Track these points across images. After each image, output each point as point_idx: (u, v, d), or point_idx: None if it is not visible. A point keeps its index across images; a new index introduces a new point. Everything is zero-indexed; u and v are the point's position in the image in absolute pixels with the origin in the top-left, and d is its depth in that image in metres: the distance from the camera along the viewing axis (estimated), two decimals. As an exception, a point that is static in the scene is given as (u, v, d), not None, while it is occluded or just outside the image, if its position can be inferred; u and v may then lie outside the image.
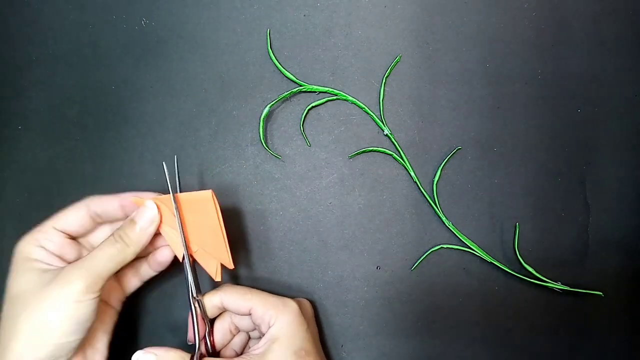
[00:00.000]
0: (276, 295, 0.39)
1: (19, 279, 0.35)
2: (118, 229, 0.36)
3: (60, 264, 0.36)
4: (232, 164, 0.44)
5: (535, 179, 0.44)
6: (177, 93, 0.45)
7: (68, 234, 0.38)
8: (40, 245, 0.36)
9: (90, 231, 0.39)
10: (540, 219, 0.44)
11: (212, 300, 0.39)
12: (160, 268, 0.40)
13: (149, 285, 0.42)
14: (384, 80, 0.44)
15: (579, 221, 0.44)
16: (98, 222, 0.39)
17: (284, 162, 0.44)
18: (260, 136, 0.44)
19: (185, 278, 0.38)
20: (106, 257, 0.35)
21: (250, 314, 0.38)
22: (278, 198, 0.44)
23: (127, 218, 0.38)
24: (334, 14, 0.44)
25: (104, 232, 0.40)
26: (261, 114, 0.43)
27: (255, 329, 0.40)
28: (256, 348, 0.37)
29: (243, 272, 0.44)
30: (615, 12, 0.45)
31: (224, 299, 0.38)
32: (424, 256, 0.44)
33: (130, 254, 0.36)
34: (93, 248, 0.37)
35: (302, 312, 0.38)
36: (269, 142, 0.45)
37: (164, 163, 0.38)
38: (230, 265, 0.39)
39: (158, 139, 0.45)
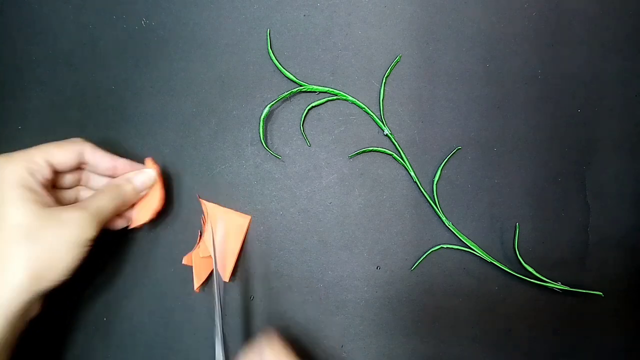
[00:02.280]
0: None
1: (16, 209, 0.33)
2: (116, 183, 0.38)
3: (48, 199, 0.35)
4: (232, 164, 0.44)
5: (535, 179, 0.44)
6: (177, 93, 0.45)
7: (56, 170, 0.37)
8: (31, 173, 0.35)
9: (67, 173, 0.39)
10: (540, 219, 0.44)
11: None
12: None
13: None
14: (384, 80, 0.44)
15: (579, 221, 0.44)
16: (79, 167, 0.39)
17: (284, 162, 0.44)
18: (260, 136, 0.44)
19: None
20: (110, 208, 0.37)
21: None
22: (278, 198, 0.44)
23: (124, 176, 0.40)
24: (334, 14, 0.44)
25: (73, 176, 0.40)
26: (261, 114, 0.43)
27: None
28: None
29: (243, 272, 0.44)
30: (615, 12, 0.45)
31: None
32: (424, 256, 0.44)
33: (123, 209, 0.39)
34: (61, 188, 0.39)
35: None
36: (269, 142, 0.45)
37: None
38: (226, 278, 0.42)
39: (158, 139, 0.45)
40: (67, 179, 0.40)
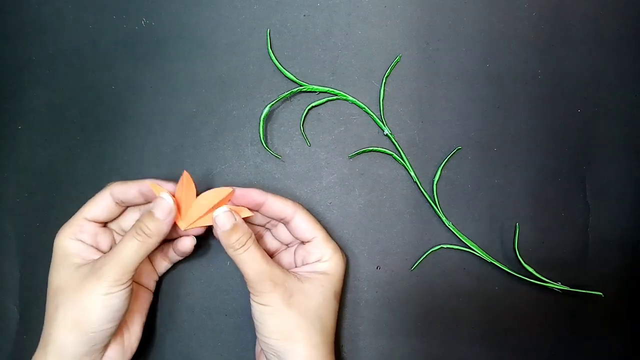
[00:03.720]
0: None
1: (59, 274, 0.37)
2: (138, 221, 0.37)
3: (96, 254, 0.39)
4: (232, 164, 0.44)
5: (535, 179, 0.44)
6: (177, 93, 0.45)
7: (99, 222, 0.40)
8: (77, 238, 0.38)
9: (119, 215, 0.41)
10: (540, 219, 0.44)
11: (286, 210, 0.39)
12: (183, 256, 0.42)
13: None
14: (384, 80, 0.44)
15: (579, 221, 0.44)
16: (123, 207, 0.40)
17: (284, 162, 0.44)
18: (260, 136, 0.44)
19: None
20: (131, 250, 0.36)
21: (309, 241, 0.40)
22: (278, 198, 0.44)
23: (145, 208, 0.39)
24: (334, 14, 0.44)
25: (132, 214, 0.41)
26: (261, 114, 0.43)
27: (273, 253, 0.42)
28: (297, 271, 0.39)
29: (243, 272, 0.44)
30: (615, 12, 0.45)
31: (297, 215, 0.39)
32: (424, 256, 0.44)
33: (152, 244, 0.37)
34: (124, 231, 0.41)
35: None
36: (269, 142, 0.45)
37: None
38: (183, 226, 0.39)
39: (158, 139, 0.45)
40: (126, 220, 0.41)
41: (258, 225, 0.42)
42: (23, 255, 0.45)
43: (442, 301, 0.44)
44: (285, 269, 0.38)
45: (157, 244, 0.37)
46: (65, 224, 0.39)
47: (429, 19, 0.44)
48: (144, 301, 0.42)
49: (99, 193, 0.39)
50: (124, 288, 0.36)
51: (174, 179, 0.45)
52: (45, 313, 0.37)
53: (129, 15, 0.45)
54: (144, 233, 0.36)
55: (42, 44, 0.45)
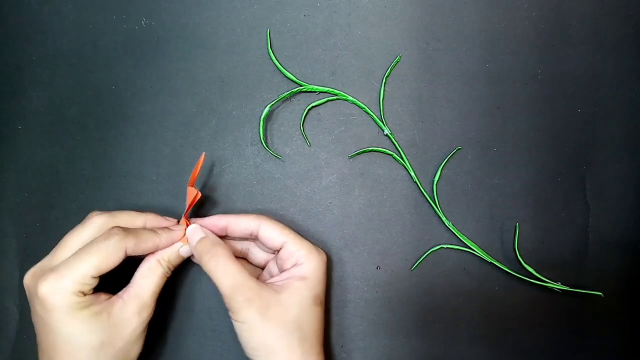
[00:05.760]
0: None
1: (68, 332, 0.34)
2: (163, 256, 0.38)
3: (98, 299, 0.36)
4: (232, 164, 0.44)
5: (535, 179, 0.44)
6: (177, 93, 0.45)
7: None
8: (78, 291, 0.34)
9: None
10: (540, 219, 0.44)
11: (249, 225, 0.39)
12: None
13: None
14: (384, 80, 0.44)
15: (579, 221, 0.44)
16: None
17: (284, 162, 0.44)
18: (260, 136, 0.44)
19: None
20: (153, 285, 0.38)
21: (280, 248, 0.39)
22: (278, 198, 0.44)
23: (172, 247, 0.39)
24: (334, 14, 0.44)
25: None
26: (261, 114, 0.43)
27: (264, 265, 0.42)
28: (275, 280, 0.38)
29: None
30: (615, 12, 0.45)
31: (262, 227, 0.39)
32: (424, 256, 0.44)
33: (167, 275, 0.39)
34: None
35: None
36: (269, 142, 0.45)
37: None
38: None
39: (158, 139, 0.45)
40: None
41: (242, 239, 0.42)
42: (23, 255, 0.45)
43: (442, 301, 0.44)
44: (262, 282, 0.37)
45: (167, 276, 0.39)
46: (59, 271, 0.34)
47: (429, 19, 0.44)
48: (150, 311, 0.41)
49: (107, 242, 0.35)
50: (150, 312, 0.38)
51: (175, 178, 0.45)
52: None
53: (129, 15, 0.45)
54: (167, 268, 0.39)
55: (42, 44, 0.45)
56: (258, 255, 0.42)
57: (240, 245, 0.42)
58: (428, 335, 0.44)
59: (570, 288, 0.43)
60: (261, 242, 0.40)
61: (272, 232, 0.39)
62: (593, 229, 0.44)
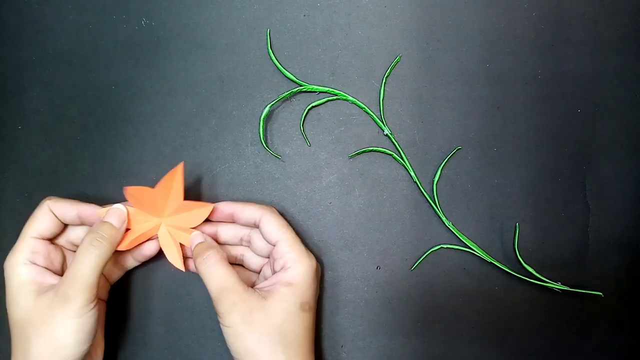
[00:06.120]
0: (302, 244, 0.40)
1: (19, 306, 0.36)
2: (91, 233, 0.37)
3: (50, 277, 0.38)
4: (232, 164, 0.44)
5: (535, 179, 0.44)
6: (177, 93, 0.45)
7: (46, 239, 0.39)
8: (30, 261, 0.37)
9: (63, 231, 0.40)
10: (540, 219, 0.44)
11: (254, 214, 0.39)
12: (145, 259, 0.42)
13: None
14: (384, 80, 0.44)
15: (579, 221, 0.44)
16: (64, 223, 0.40)
17: (284, 162, 0.44)
18: (260, 136, 0.44)
19: None
20: (91, 265, 0.36)
21: (276, 244, 0.39)
22: (278, 198, 0.44)
23: (96, 221, 0.38)
24: (334, 14, 0.44)
25: (77, 229, 0.41)
26: (261, 114, 0.43)
27: (260, 270, 0.42)
28: (264, 285, 0.38)
29: (243, 272, 0.44)
30: (615, 12, 0.45)
31: (264, 218, 0.39)
32: (424, 256, 0.44)
33: (109, 253, 0.37)
34: (73, 244, 0.40)
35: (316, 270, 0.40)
36: (269, 142, 0.45)
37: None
38: (182, 268, 0.40)
39: (158, 139, 0.45)
40: (72, 235, 0.40)
41: (236, 245, 0.42)
42: (23, 255, 0.45)
43: (442, 301, 0.44)
44: (249, 287, 0.37)
45: (111, 253, 0.38)
46: (13, 249, 0.37)
47: (429, 19, 0.44)
48: (102, 313, 0.41)
49: (37, 209, 0.38)
50: (93, 307, 0.36)
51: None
52: (13, 347, 0.36)
53: (129, 15, 0.45)
54: (101, 242, 0.37)
55: (42, 44, 0.45)
56: (252, 260, 0.42)
57: (234, 251, 0.42)
58: (428, 335, 0.44)
59: (570, 288, 0.43)
60: (262, 234, 0.40)
61: (271, 226, 0.39)
62: (593, 229, 0.44)
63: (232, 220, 0.41)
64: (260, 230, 0.40)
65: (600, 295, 0.43)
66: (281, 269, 0.38)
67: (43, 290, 0.36)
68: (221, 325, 0.37)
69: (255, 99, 0.44)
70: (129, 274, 0.44)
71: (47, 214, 0.38)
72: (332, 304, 0.44)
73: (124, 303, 0.44)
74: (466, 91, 0.44)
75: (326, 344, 0.44)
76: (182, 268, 0.40)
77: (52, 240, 0.39)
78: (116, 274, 0.42)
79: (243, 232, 0.42)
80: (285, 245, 0.38)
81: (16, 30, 0.46)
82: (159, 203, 0.39)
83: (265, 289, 0.38)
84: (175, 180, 0.39)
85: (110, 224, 0.38)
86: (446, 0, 0.44)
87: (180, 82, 0.45)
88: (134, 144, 0.45)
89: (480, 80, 0.44)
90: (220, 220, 0.41)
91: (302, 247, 0.39)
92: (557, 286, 0.43)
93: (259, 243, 0.41)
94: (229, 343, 0.37)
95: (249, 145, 0.44)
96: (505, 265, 0.43)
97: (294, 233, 0.40)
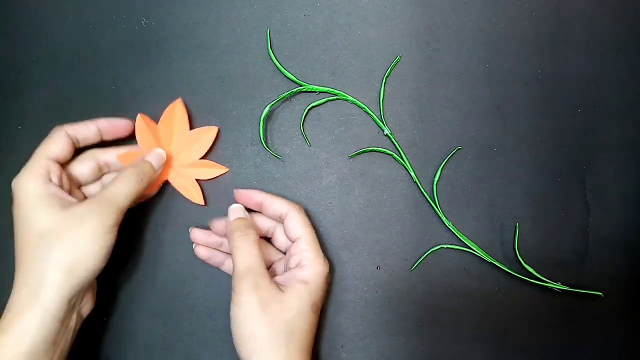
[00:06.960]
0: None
1: (44, 216, 0.36)
2: (132, 166, 0.39)
3: (67, 196, 0.38)
4: (232, 164, 0.44)
5: (535, 179, 0.44)
6: (177, 93, 0.45)
7: (60, 162, 0.39)
8: (50, 179, 0.38)
9: (70, 160, 0.41)
10: (540, 219, 0.44)
11: (280, 208, 0.41)
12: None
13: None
14: (384, 80, 0.44)
15: (579, 221, 0.44)
16: (77, 147, 0.41)
17: (284, 162, 0.44)
18: (260, 136, 0.44)
19: None
20: (129, 191, 0.38)
21: (293, 242, 0.40)
22: (278, 198, 0.44)
23: (138, 157, 0.41)
24: (334, 14, 0.44)
25: (80, 163, 0.41)
26: (261, 114, 0.43)
27: (285, 250, 0.42)
28: (281, 280, 0.39)
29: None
30: (615, 12, 0.45)
31: (289, 214, 0.40)
32: (424, 256, 0.44)
33: (143, 189, 0.39)
34: (75, 178, 0.41)
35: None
36: (269, 142, 0.45)
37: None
38: (202, 202, 0.43)
39: (158, 139, 0.45)
40: (85, 173, 0.41)
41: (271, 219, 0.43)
42: (23, 255, 0.45)
43: (442, 301, 0.44)
44: (272, 278, 0.38)
45: (144, 191, 0.40)
46: (28, 166, 0.38)
47: (429, 19, 0.44)
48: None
49: (53, 132, 0.39)
50: (116, 231, 0.37)
51: (174, 179, 0.44)
52: (24, 256, 0.36)
53: (129, 15, 0.45)
54: (140, 177, 0.39)
55: (42, 44, 0.45)
56: (281, 239, 0.42)
57: (268, 225, 0.43)
58: (428, 335, 0.44)
59: (570, 288, 0.43)
60: (285, 229, 0.41)
61: (294, 223, 0.40)
62: (593, 229, 0.44)
63: (259, 210, 0.42)
64: (284, 225, 0.40)
65: (600, 295, 0.43)
66: (296, 265, 0.39)
67: (66, 205, 0.37)
68: (232, 305, 0.37)
69: (255, 99, 0.44)
70: (128, 273, 0.44)
71: (62, 137, 0.39)
72: (332, 304, 0.44)
73: (124, 303, 0.44)
74: (466, 91, 0.44)
75: (326, 344, 0.44)
76: (202, 202, 0.43)
77: (63, 165, 0.40)
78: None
79: (269, 225, 0.42)
80: (305, 244, 0.39)
81: (16, 30, 0.46)
82: (165, 137, 0.43)
83: (282, 283, 0.39)
84: (176, 113, 0.43)
85: (150, 164, 0.40)
86: (446, 0, 0.44)
87: (180, 82, 0.45)
88: (134, 143, 0.45)
89: (480, 80, 0.44)
90: (249, 206, 0.42)
91: (319, 250, 0.40)
92: (557, 286, 0.43)
93: (281, 238, 0.42)
94: (235, 324, 0.37)
95: (249, 145, 0.44)
96: (505, 265, 0.43)
97: (315, 235, 0.40)
